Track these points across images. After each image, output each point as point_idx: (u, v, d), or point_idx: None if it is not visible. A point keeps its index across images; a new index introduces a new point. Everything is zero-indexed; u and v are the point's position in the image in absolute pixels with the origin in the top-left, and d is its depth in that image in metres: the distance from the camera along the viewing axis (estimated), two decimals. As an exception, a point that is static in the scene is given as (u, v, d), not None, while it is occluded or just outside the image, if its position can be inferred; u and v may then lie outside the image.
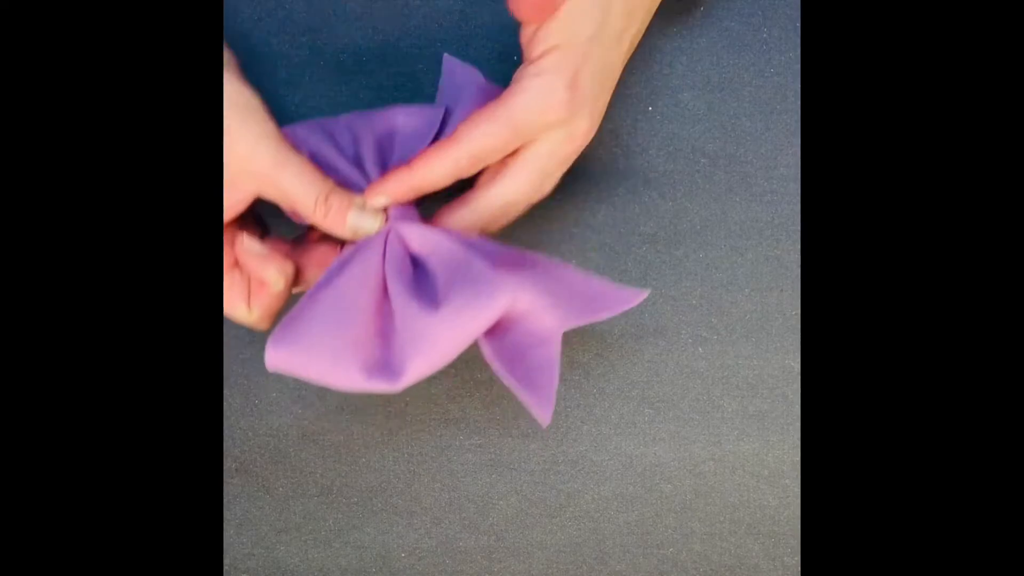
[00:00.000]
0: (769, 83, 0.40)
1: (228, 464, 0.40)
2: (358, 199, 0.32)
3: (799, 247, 0.39)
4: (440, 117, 0.34)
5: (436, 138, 0.34)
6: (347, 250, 0.32)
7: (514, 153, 0.33)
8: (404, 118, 0.34)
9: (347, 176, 0.33)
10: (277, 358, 0.30)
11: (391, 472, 0.40)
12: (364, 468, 0.40)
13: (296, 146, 0.32)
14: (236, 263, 0.33)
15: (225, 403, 0.40)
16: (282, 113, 0.40)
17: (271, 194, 0.31)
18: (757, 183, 0.40)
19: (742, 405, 0.40)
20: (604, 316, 0.32)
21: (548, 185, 0.33)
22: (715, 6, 0.40)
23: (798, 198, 0.39)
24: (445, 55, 0.36)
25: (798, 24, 0.39)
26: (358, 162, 0.33)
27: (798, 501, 0.39)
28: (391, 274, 0.31)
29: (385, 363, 0.30)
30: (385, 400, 0.40)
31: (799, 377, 0.39)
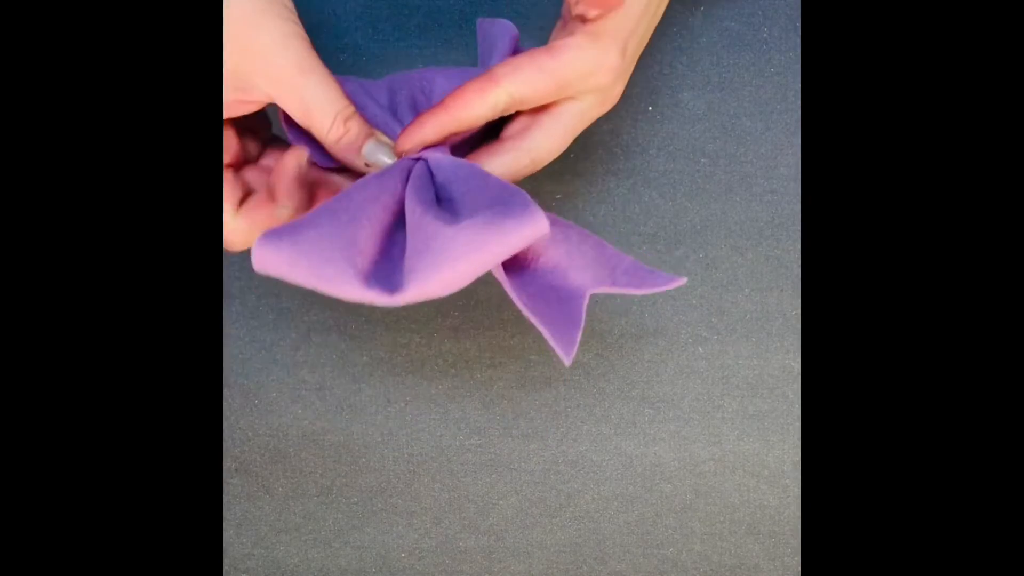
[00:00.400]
0: (769, 83, 0.40)
1: (228, 464, 0.40)
2: (379, 133, 0.31)
3: (799, 247, 0.39)
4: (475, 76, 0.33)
5: None
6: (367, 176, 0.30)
7: (546, 107, 0.32)
8: (444, 80, 0.33)
9: (376, 119, 0.31)
10: (265, 256, 0.27)
11: (391, 472, 0.40)
12: (364, 468, 0.40)
13: None
14: (235, 165, 0.31)
15: (225, 403, 0.40)
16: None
17: (288, 102, 0.30)
18: (757, 183, 0.40)
19: (742, 405, 0.40)
20: (634, 291, 0.31)
21: (566, 145, 0.33)
22: (715, 6, 0.40)
23: (798, 198, 0.39)
24: (479, 20, 0.35)
25: (798, 24, 0.39)
26: (393, 111, 0.32)
27: (798, 501, 0.39)
28: (411, 194, 0.29)
29: (387, 273, 0.28)
30: (385, 400, 0.40)
31: (799, 377, 0.39)
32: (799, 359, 0.39)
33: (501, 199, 0.27)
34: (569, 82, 0.31)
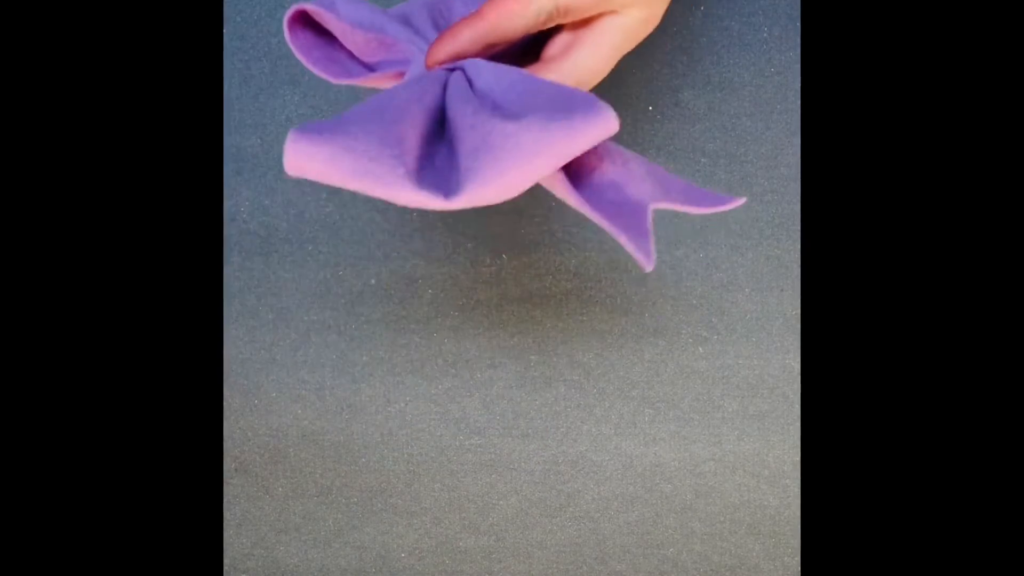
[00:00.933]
0: (769, 83, 0.40)
1: (228, 464, 0.40)
2: None
3: (799, 247, 0.39)
4: None
5: None
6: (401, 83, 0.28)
7: (586, 23, 0.30)
8: (461, 5, 0.31)
9: (395, 32, 0.29)
10: (300, 153, 0.23)
11: (391, 472, 0.40)
12: (364, 468, 0.40)
13: (332, 4, 0.28)
14: None
15: (225, 403, 0.40)
16: (282, 113, 0.40)
17: None
18: (757, 183, 0.40)
19: (742, 405, 0.39)
20: (695, 210, 0.28)
21: (609, 67, 0.31)
22: (715, 6, 0.40)
23: (798, 198, 0.39)
24: None
25: (798, 24, 0.39)
26: (415, 30, 0.30)
27: (798, 501, 0.39)
28: (456, 98, 0.26)
29: (439, 175, 0.25)
30: (385, 400, 0.40)
31: (799, 377, 0.39)
32: (799, 359, 0.39)
33: (564, 94, 0.25)
34: None
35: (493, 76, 0.27)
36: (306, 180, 0.40)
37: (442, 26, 0.30)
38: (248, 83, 0.40)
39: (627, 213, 0.27)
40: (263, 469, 0.40)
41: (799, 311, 0.39)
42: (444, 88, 0.27)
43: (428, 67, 0.28)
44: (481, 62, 0.27)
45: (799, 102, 0.39)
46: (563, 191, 0.26)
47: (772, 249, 0.40)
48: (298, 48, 0.29)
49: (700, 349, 0.40)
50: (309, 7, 0.28)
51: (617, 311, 0.40)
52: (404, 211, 0.40)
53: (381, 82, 0.30)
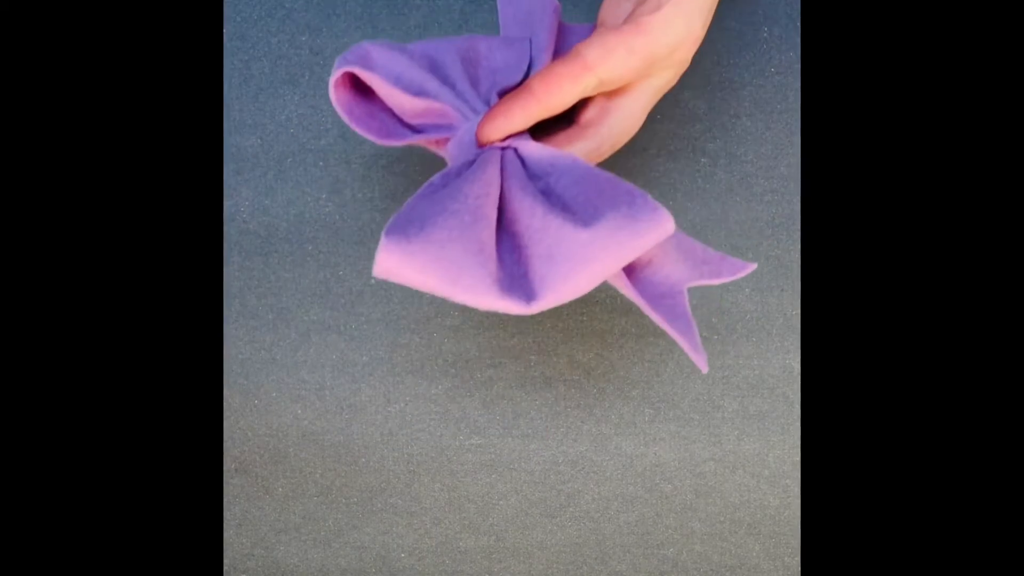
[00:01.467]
0: (769, 83, 0.40)
1: (228, 464, 0.40)
2: None
3: (799, 247, 0.39)
4: (528, 50, 0.32)
5: (528, 69, 0.31)
6: (456, 159, 0.29)
7: (620, 88, 0.31)
8: (486, 47, 0.31)
9: (437, 94, 0.30)
10: (391, 265, 0.25)
11: (391, 472, 0.40)
12: (364, 468, 0.40)
13: (371, 65, 0.29)
14: None
15: (225, 403, 0.40)
16: (282, 113, 0.40)
17: None
18: (757, 183, 0.40)
19: (742, 405, 0.39)
20: (717, 280, 0.30)
21: (640, 124, 0.33)
22: (715, 6, 0.40)
23: (798, 198, 0.39)
24: None
25: (798, 24, 0.39)
26: (447, 82, 0.30)
27: (798, 501, 0.39)
28: (514, 188, 0.28)
29: (517, 281, 0.26)
30: (385, 400, 0.40)
31: (799, 377, 0.39)
32: (799, 359, 0.39)
33: (624, 199, 0.26)
34: (658, 59, 0.30)
35: (545, 157, 0.29)
36: (305, 180, 0.40)
37: (474, 75, 0.31)
38: (248, 83, 0.40)
39: (666, 294, 0.29)
40: (263, 469, 0.40)
41: (799, 311, 0.39)
42: (501, 168, 0.28)
43: (480, 145, 0.29)
44: (531, 143, 0.29)
45: (799, 102, 0.39)
46: (622, 282, 0.28)
47: (772, 249, 0.40)
48: (340, 106, 0.30)
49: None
50: (355, 70, 0.29)
51: (617, 311, 0.40)
52: (404, 211, 0.40)
53: (427, 144, 0.31)
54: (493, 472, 0.40)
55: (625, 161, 0.40)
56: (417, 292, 0.40)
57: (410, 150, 0.40)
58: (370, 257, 0.40)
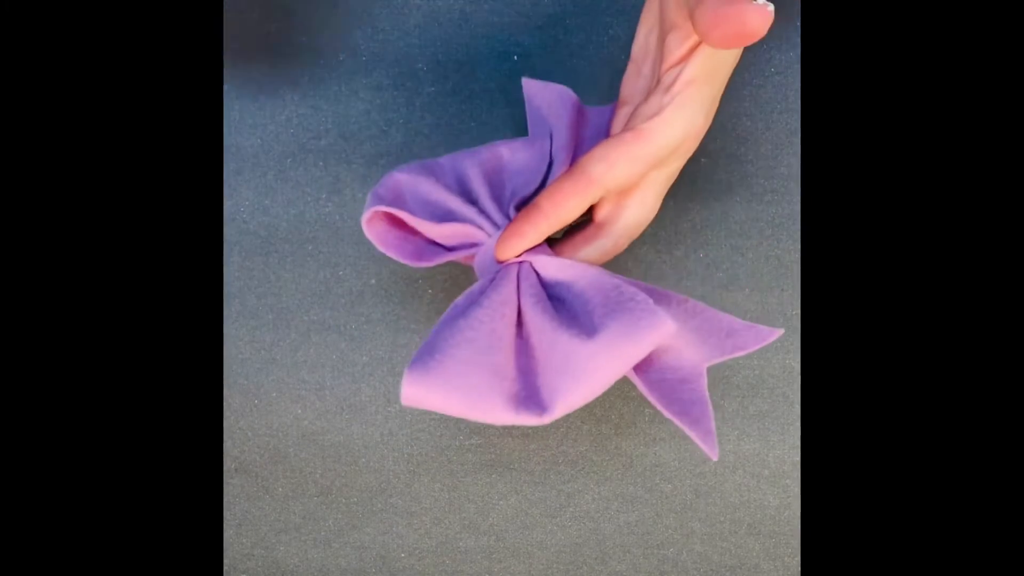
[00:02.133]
0: (769, 83, 0.40)
1: (228, 464, 0.40)
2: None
3: (799, 247, 0.39)
4: (548, 149, 0.34)
5: (548, 169, 0.34)
6: (483, 278, 0.32)
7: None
8: (508, 152, 0.34)
9: (462, 215, 0.32)
10: (415, 394, 0.28)
11: (391, 472, 0.40)
12: (364, 468, 0.40)
13: (401, 194, 0.32)
14: None
15: (225, 403, 0.40)
16: (282, 113, 0.40)
17: None
18: (757, 183, 0.40)
19: (742, 405, 0.39)
20: (742, 353, 0.32)
21: (656, 210, 0.34)
22: (715, 6, 0.40)
23: (798, 198, 0.39)
24: (524, 79, 0.36)
25: (798, 24, 0.39)
26: (471, 199, 0.33)
27: (798, 501, 0.39)
28: (528, 304, 0.30)
29: (530, 395, 0.29)
30: (385, 400, 0.40)
31: (799, 377, 0.39)
32: (799, 359, 0.39)
33: (626, 306, 0.29)
34: (663, 157, 0.31)
35: (557, 269, 0.31)
36: (305, 180, 0.40)
37: (497, 182, 0.33)
38: (248, 83, 0.40)
39: (685, 379, 0.31)
40: (263, 469, 0.40)
41: (799, 311, 0.39)
42: (517, 285, 0.31)
43: (498, 261, 0.32)
44: (545, 257, 0.31)
45: (799, 102, 0.39)
46: (633, 378, 0.30)
47: (772, 249, 0.40)
48: (374, 237, 0.33)
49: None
50: (388, 209, 0.32)
51: (617, 311, 0.39)
52: (404, 211, 0.40)
53: (457, 260, 0.34)
54: (493, 472, 0.40)
55: (625, 161, 0.40)
56: (417, 292, 0.40)
57: (409, 153, 0.40)
58: (370, 257, 0.40)
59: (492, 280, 0.31)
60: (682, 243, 0.40)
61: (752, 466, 0.40)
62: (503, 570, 0.40)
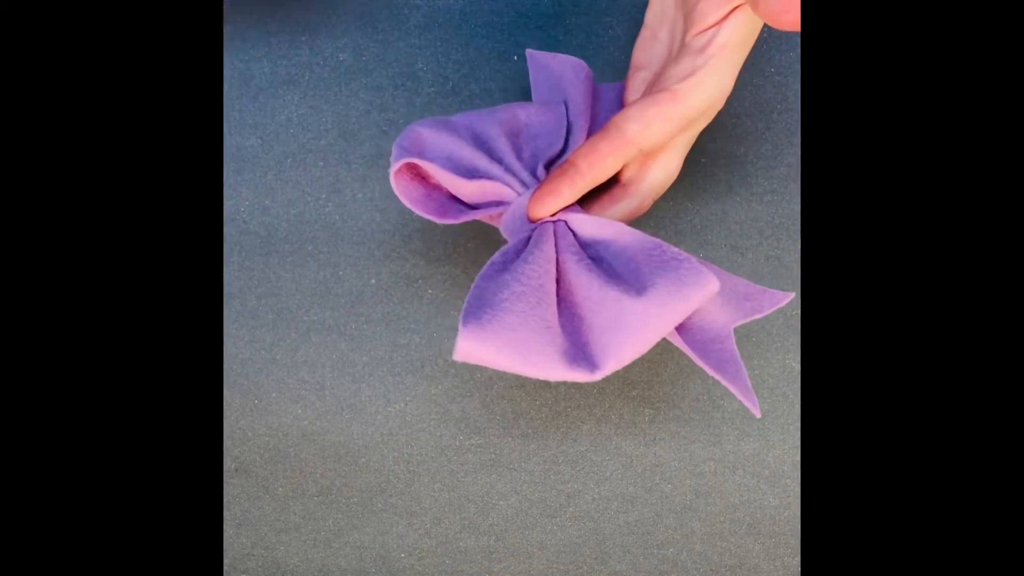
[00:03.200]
0: (769, 83, 0.40)
1: (228, 464, 0.40)
2: None
3: (799, 247, 0.39)
4: (564, 114, 0.34)
5: (567, 134, 0.34)
6: (513, 237, 0.31)
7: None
8: (524, 114, 0.34)
9: (489, 172, 0.32)
10: (470, 349, 0.28)
11: (391, 472, 0.40)
12: (364, 468, 0.40)
13: (423, 149, 0.32)
14: None
15: (225, 403, 0.40)
16: (282, 113, 0.40)
17: None
18: (757, 183, 0.40)
19: (742, 405, 0.39)
20: (760, 315, 0.32)
21: (678, 172, 0.34)
22: (715, 6, 0.40)
23: (798, 198, 0.39)
24: (528, 51, 0.36)
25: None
26: (495, 157, 0.33)
27: (798, 501, 0.39)
28: (572, 262, 0.30)
29: (579, 348, 0.29)
30: (385, 400, 0.40)
31: (799, 377, 0.39)
32: (799, 359, 0.39)
33: (671, 264, 0.29)
34: (694, 121, 0.31)
35: (594, 227, 0.31)
36: (305, 180, 0.40)
37: (517, 144, 0.33)
38: (248, 83, 0.40)
39: (715, 339, 0.31)
40: (263, 469, 0.40)
41: (799, 311, 0.39)
42: (555, 243, 0.31)
43: (531, 220, 0.32)
44: (581, 215, 0.31)
45: (799, 102, 0.39)
46: (674, 340, 0.31)
47: (772, 249, 0.40)
48: (400, 191, 0.32)
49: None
50: (413, 160, 0.31)
51: (617, 311, 0.39)
52: (404, 211, 0.40)
53: (483, 219, 0.34)
54: (493, 472, 0.40)
55: (625, 161, 0.40)
56: (417, 292, 0.40)
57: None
58: (371, 257, 0.40)
59: (530, 237, 0.31)
60: (682, 243, 0.40)
61: (752, 466, 0.40)
62: (503, 570, 0.40)
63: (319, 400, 0.40)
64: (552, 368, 0.28)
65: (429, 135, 0.32)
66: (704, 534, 0.40)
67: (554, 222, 0.31)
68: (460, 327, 0.28)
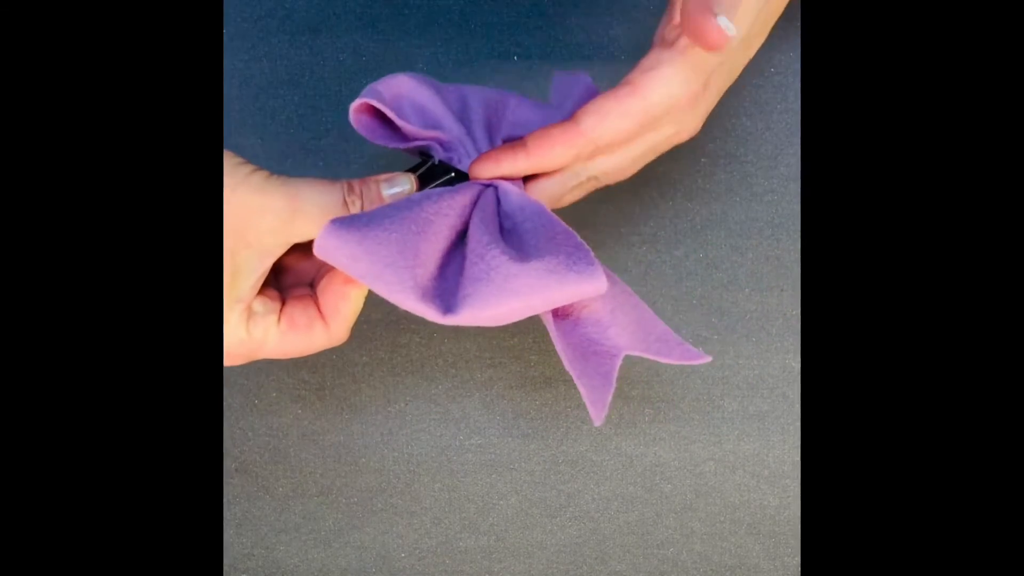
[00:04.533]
0: (769, 83, 0.40)
1: (228, 464, 0.40)
2: (381, 176, 0.31)
3: (799, 247, 0.39)
4: (552, 113, 0.33)
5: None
6: (436, 188, 0.31)
7: None
8: (515, 102, 0.33)
9: (450, 130, 0.32)
10: (328, 244, 0.28)
11: (391, 472, 0.40)
12: (364, 468, 0.40)
13: (399, 96, 0.31)
14: (289, 296, 0.32)
15: (225, 403, 0.40)
16: (282, 113, 0.40)
17: (295, 228, 0.30)
18: (757, 183, 0.40)
19: (742, 405, 0.39)
20: (662, 359, 0.32)
21: (633, 172, 0.33)
22: (715, 6, 0.40)
23: (798, 198, 0.39)
24: (555, 72, 0.35)
25: (798, 24, 0.39)
26: (466, 124, 0.32)
27: (798, 501, 0.39)
28: (477, 220, 0.30)
29: (443, 291, 0.29)
30: (385, 400, 0.40)
31: (799, 377, 0.39)
32: (799, 359, 0.39)
33: (566, 250, 0.28)
34: (654, 117, 0.30)
35: (518, 203, 0.31)
36: (306, 180, 0.40)
37: (495, 124, 0.33)
38: (248, 83, 0.40)
39: (600, 354, 0.31)
40: (263, 469, 0.40)
41: (799, 311, 0.39)
42: (475, 203, 0.30)
43: (470, 177, 0.31)
44: (510, 187, 0.31)
45: (799, 102, 0.39)
46: (546, 321, 0.30)
47: (772, 249, 0.40)
48: (360, 126, 0.32)
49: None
50: (378, 103, 0.31)
51: (617, 311, 0.39)
52: (404, 211, 0.40)
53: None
54: (493, 472, 0.40)
55: (625, 161, 0.40)
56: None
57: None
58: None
59: (450, 188, 0.31)
60: (682, 243, 0.40)
61: (752, 466, 0.40)
62: (503, 570, 0.40)
63: (319, 400, 0.40)
64: (400, 294, 0.28)
65: (410, 87, 0.32)
66: (704, 534, 0.40)
67: (484, 186, 0.31)
68: (328, 222, 0.28)
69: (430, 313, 0.28)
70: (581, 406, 0.40)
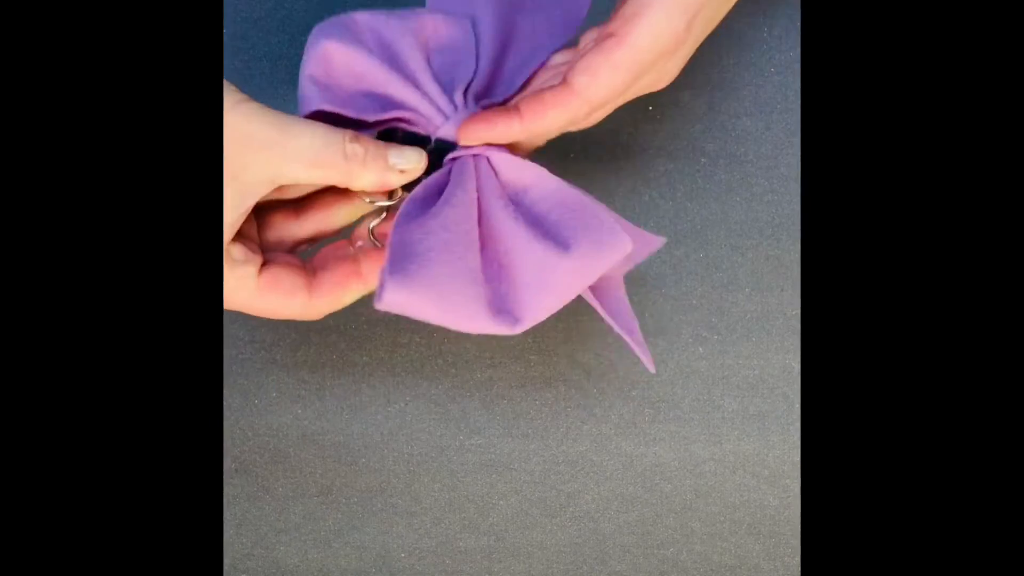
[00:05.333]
0: (769, 83, 0.40)
1: (228, 464, 0.40)
2: (391, 144, 0.30)
3: (799, 247, 0.39)
4: (471, 31, 0.31)
5: (477, 51, 0.31)
6: (433, 176, 0.30)
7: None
8: (432, 25, 0.31)
9: (405, 101, 0.30)
10: (395, 300, 0.27)
11: (391, 472, 0.40)
12: (364, 468, 0.40)
13: (333, 70, 0.30)
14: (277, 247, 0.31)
15: (225, 403, 0.40)
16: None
17: (284, 167, 0.28)
18: (757, 183, 0.40)
19: (742, 405, 0.40)
20: (638, 261, 0.33)
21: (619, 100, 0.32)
22: (715, 6, 0.40)
23: (798, 198, 0.39)
24: None
25: (798, 23, 0.39)
26: (411, 79, 0.31)
27: (798, 501, 0.39)
28: (497, 207, 0.29)
29: (502, 304, 0.29)
30: (385, 400, 0.40)
31: (799, 377, 0.39)
32: (799, 359, 0.39)
33: (589, 223, 0.29)
34: (645, 64, 0.29)
35: (515, 169, 0.30)
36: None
37: (438, 68, 0.31)
38: (248, 83, 0.40)
39: (618, 310, 0.32)
40: (263, 469, 0.40)
41: (799, 311, 0.39)
42: (477, 184, 0.30)
43: (458, 143, 0.30)
44: (504, 155, 0.30)
45: (799, 102, 0.39)
46: (587, 295, 0.30)
47: (772, 249, 0.40)
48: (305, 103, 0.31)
49: (700, 349, 0.40)
50: (325, 108, 0.30)
51: (617, 311, 0.39)
52: (404, 211, 0.40)
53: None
54: (493, 472, 0.40)
55: (625, 161, 0.40)
56: (417, 292, 0.40)
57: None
58: (370, 257, 0.40)
59: (450, 171, 0.30)
60: (682, 243, 0.40)
61: (752, 466, 0.40)
62: (503, 570, 0.40)
63: (319, 400, 0.40)
64: (476, 320, 0.28)
65: (339, 52, 0.30)
66: (704, 534, 0.40)
67: (475, 157, 0.30)
68: (386, 277, 0.27)
69: (502, 329, 0.28)
70: (581, 406, 0.40)
